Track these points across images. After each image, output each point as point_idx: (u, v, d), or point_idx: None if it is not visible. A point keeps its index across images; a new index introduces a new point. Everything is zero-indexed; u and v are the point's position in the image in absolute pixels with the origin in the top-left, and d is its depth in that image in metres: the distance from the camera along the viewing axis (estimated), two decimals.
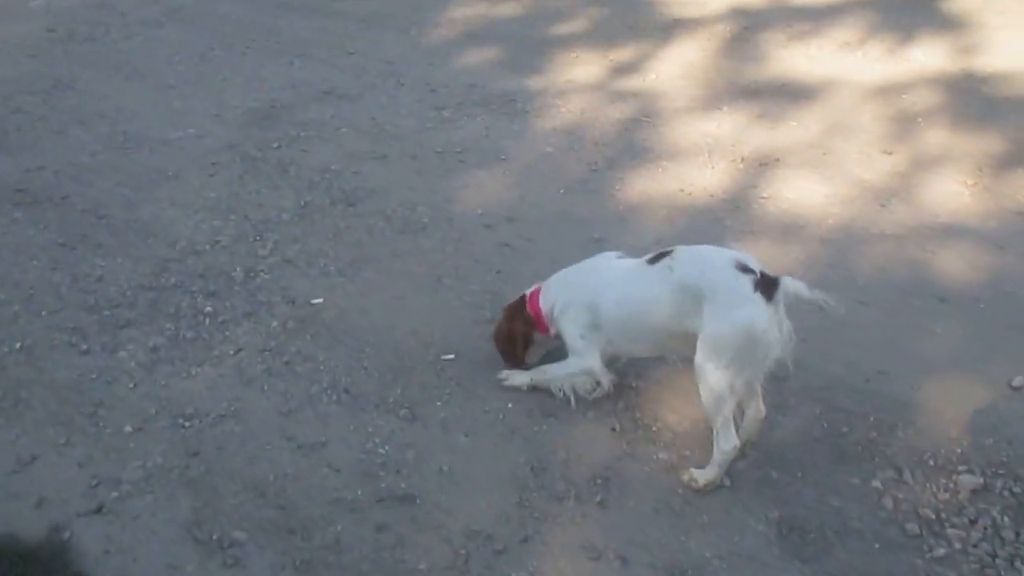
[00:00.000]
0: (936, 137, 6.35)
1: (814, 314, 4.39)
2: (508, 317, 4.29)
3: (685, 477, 3.76)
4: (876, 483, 3.73)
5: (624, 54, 7.73)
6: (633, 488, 3.74)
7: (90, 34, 8.33)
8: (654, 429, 4.02)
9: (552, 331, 4.20)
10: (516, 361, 4.34)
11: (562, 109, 6.82)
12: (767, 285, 3.48)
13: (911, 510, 3.61)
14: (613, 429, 4.04)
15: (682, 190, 5.80)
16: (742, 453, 3.84)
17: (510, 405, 4.18)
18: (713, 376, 3.53)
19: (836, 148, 6.26)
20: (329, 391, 4.29)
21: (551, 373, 4.19)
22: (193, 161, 6.17)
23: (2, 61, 7.91)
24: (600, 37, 8.06)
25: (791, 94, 7.03)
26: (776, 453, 3.87)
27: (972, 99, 6.90)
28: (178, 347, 4.57)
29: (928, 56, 7.52)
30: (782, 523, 3.59)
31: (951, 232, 5.32)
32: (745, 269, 3.51)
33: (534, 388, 4.23)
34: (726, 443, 3.64)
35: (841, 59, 7.59)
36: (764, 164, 6.06)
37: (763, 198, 5.67)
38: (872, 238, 5.28)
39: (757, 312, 3.46)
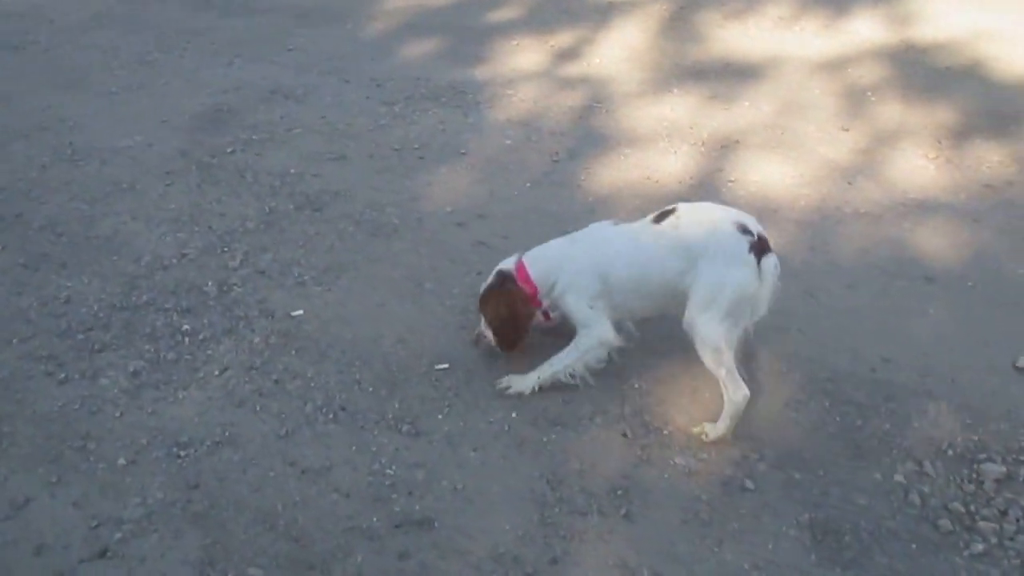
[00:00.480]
0: (889, 111, 6.41)
1: (805, 302, 4.43)
2: (506, 301, 4.19)
3: (696, 430, 3.91)
4: (899, 477, 3.74)
5: (564, 39, 7.70)
6: (655, 497, 3.70)
7: (19, 43, 8.08)
8: (666, 433, 3.98)
9: (545, 305, 4.22)
10: (519, 346, 4.28)
11: (513, 99, 6.76)
12: (760, 248, 3.76)
13: (940, 505, 3.62)
14: (624, 435, 3.99)
15: (648, 177, 5.79)
16: (756, 452, 3.83)
17: (514, 414, 4.11)
18: (707, 329, 3.77)
19: (793, 127, 6.29)
20: (324, 410, 4.20)
21: (560, 363, 4.16)
22: (147, 171, 6.00)
23: None
24: (537, 23, 8.02)
25: (737, 73, 7.06)
26: (794, 452, 3.86)
27: (917, 71, 6.99)
28: (160, 370, 4.44)
29: (866, 28, 7.62)
30: (814, 526, 3.57)
31: (924, 208, 5.37)
32: (745, 231, 3.78)
33: (540, 388, 4.17)
34: (736, 392, 3.79)
35: (780, 35, 7.65)
36: (725, 147, 6.07)
37: (731, 182, 5.68)
38: (847, 218, 5.32)
39: (751, 273, 3.74)
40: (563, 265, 4.14)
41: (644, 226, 4.04)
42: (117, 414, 4.18)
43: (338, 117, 6.59)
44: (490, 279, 4.27)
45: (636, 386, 4.24)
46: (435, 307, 4.76)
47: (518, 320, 4.20)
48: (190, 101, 6.86)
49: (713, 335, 3.77)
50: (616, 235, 4.13)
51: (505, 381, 4.23)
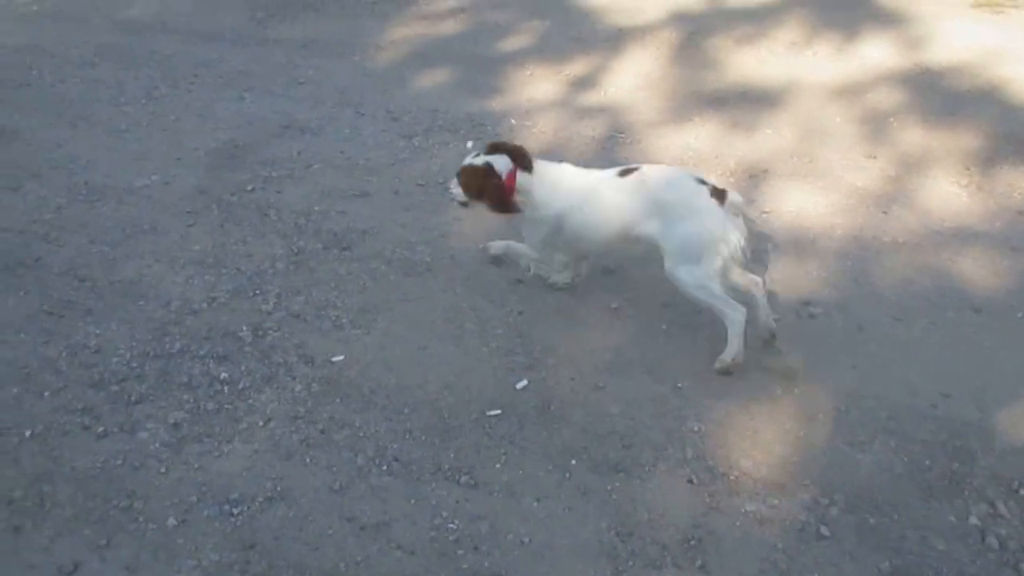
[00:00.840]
0: (912, 137, 6.36)
1: (855, 337, 4.35)
2: (482, 185, 4.55)
3: (717, 366, 4.36)
4: (974, 520, 3.66)
5: (578, 68, 7.61)
6: (729, 547, 3.61)
7: (23, 79, 7.88)
8: (732, 478, 3.89)
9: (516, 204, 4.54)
10: (511, 207, 4.58)
11: (533, 130, 6.66)
12: (718, 193, 4.15)
13: (1019, 548, 3.55)
14: (690, 481, 3.90)
15: None
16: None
17: (573, 461, 4.02)
18: (688, 276, 4.21)
19: (819, 155, 6.22)
20: (377, 460, 4.09)
21: (517, 249, 4.84)
22: (166, 210, 5.86)
23: None
24: (548, 51, 7.91)
25: (755, 100, 6.99)
26: (864, 495, 3.78)
27: (935, 95, 6.94)
28: (201, 421, 4.32)
29: (878, 52, 7.57)
30: (896, 575, 3.46)
31: (961, 237, 5.32)
32: (701, 182, 4.18)
33: (502, 257, 4.93)
34: (732, 312, 4.25)
35: (792, 61, 7.57)
36: (754, 176, 5.98)
37: (765, 212, 5.60)
38: (886, 248, 5.25)
39: (716, 216, 4.13)
40: (538, 192, 4.52)
41: (610, 177, 4.44)
42: (162, 470, 4.05)
43: (356, 151, 6.48)
44: (480, 161, 4.56)
45: (695, 428, 4.17)
46: (478, 349, 4.65)
47: (501, 193, 4.53)
48: (204, 137, 6.72)
49: (693, 280, 4.20)
50: (587, 182, 4.51)
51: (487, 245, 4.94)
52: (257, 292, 5.08)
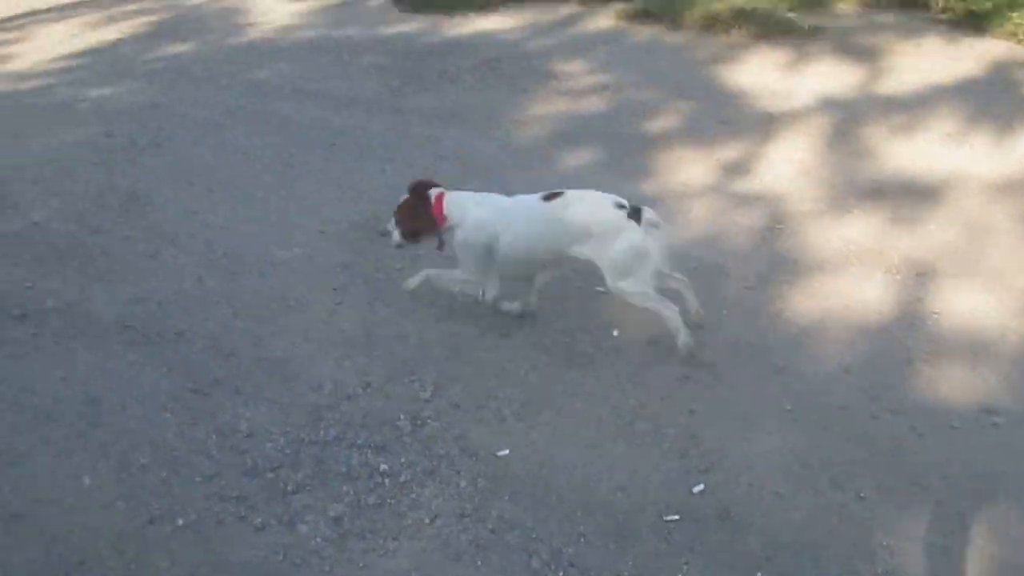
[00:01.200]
0: None
1: None
2: (414, 216, 5.01)
3: (682, 353, 4.89)
4: None
5: (729, 153, 7.30)
6: None
7: (153, 139, 7.77)
8: None
9: (444, 228, 4.97)
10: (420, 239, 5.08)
11: (689, 217, 6.37)
12: (635, 213, 4.65)
13: None
14: None
15: (847, 307, 5.37)
16: None
17: (759, 573, 3.71)
18: (628, 288, 4.74)
19: (985, 254, 5.86)
20: (552, 566, 3.79)
21: (447, 277, 5.10)
22: (311, 286, 5.61)
23: (64, 173, 7.33)
24: (697, 134, 7.62)
25: (915, 193, 6.64)
26: None
27: None
28: (363, 516, 4.03)
29: None
30: None
31: None
32: (620, 206, 4.65)
33: (426, 284, 5.16)
34: (668, 310, 4.82)
35: (950, 153, 7.22)
36: (920, 274, 5.63)
37: (935, 314, 5.26)
38: None
39: (636, 234, 4.64)
40: (468, 218, 4.89)
41: (536, 202, 4.83)
42: (325, 568, 3.80)
43: None
44: (408, 197, 4.99)
45: (884, 543, 3.85)
46: (651, 450, 4.34)
47: (419, 232, 5.04)
48: (345, 209, 6.49)
49: (633, 289, 4.74)
50: (516, 203, 4.92)
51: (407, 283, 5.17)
52: (413, 378, 4.81)
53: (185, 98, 8.70)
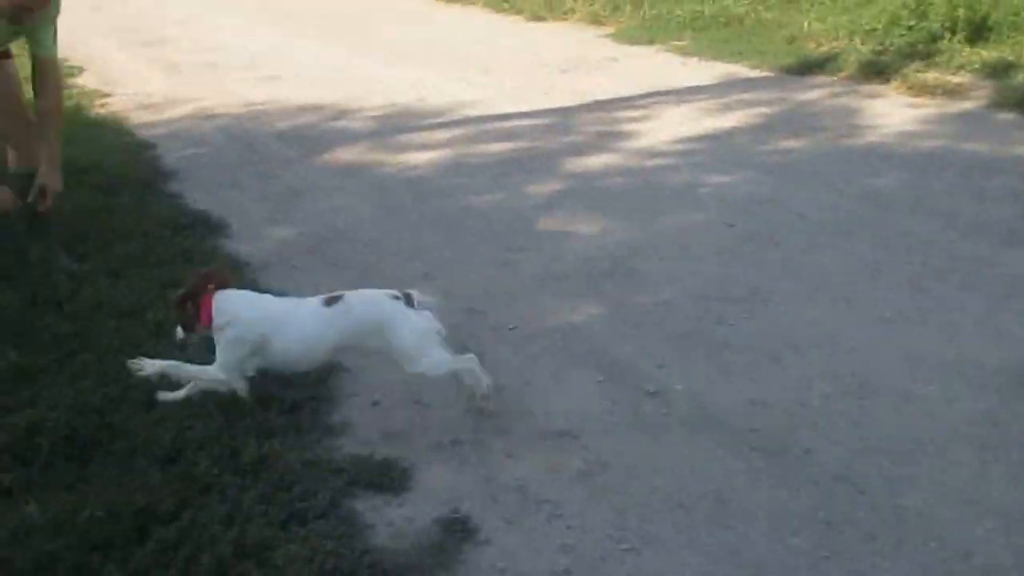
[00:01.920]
0: None
1: None
2: (182, 312, 5.08)
3: (483, 404, 5.16)
4: None
5: None
6: None
7: (771, 236, 7.57)
8: None
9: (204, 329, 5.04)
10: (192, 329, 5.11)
11: None
12: (408, 299, 4.96)
13: None
14: None
15: None
16: None
17: None
18: (421, 366, 4.99)
19: None
20: None
21: (189, 371, 5.08)
22: (952, 435, 5.04)
23: (688, 256, 7.31)
24: None
25: None
26: None
27: None
28: None
29: None
30: None
31: None
32: (395, 297, 4.96)
33: (164, 376, 5.06)
34: (465, 364, 5.10)
35: None
36: None
37: None
38: None
39: (411, 317, 4.95)
40: (237, 319, 4.96)
41: (318, 307, 5.02)
42: None
43: None
44: (186, 289, 5.02)
45: None
46: None
47: (187, 326, 5.10)
48: (988, 353, 5.82)
49: (427, 367, 4.99)
50: (297, 308, 5.14)
51: (136, 363, 5.06)
52: None
53: (800, 196, 8.47)
